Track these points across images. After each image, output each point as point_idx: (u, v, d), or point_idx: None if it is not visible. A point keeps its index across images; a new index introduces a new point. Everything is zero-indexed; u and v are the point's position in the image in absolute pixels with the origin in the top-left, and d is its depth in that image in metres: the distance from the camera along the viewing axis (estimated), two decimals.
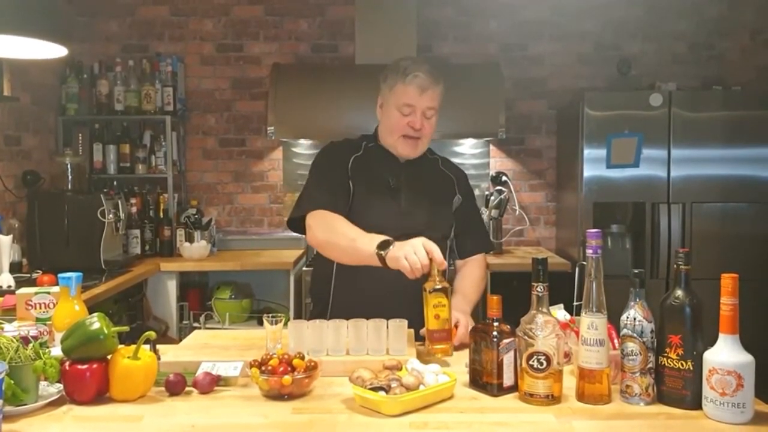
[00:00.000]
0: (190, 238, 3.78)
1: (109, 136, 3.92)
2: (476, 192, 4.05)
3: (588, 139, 3.47)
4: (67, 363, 1.36)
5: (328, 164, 2.02)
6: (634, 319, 1.31)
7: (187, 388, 1.42)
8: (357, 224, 1.82)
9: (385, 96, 1.98)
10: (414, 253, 1.61)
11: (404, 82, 1.91)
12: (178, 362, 1.52)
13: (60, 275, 1.63)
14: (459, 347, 1.69)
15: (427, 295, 1.59)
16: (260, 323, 1.98)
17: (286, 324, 1.61)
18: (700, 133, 3.44)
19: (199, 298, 3.81)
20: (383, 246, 1.68)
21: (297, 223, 2.00)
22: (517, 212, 4.12)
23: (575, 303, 3.00)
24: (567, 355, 1.50)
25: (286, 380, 1.35)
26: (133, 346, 1.39)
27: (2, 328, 1.49)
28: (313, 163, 2.07)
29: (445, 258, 1.68)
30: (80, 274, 1.66)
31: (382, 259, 1.67)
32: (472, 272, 2.08)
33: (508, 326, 1.40)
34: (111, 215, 3.22)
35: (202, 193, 4.20)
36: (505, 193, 3.90)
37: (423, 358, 1.55)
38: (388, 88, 1.96)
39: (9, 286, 2.67)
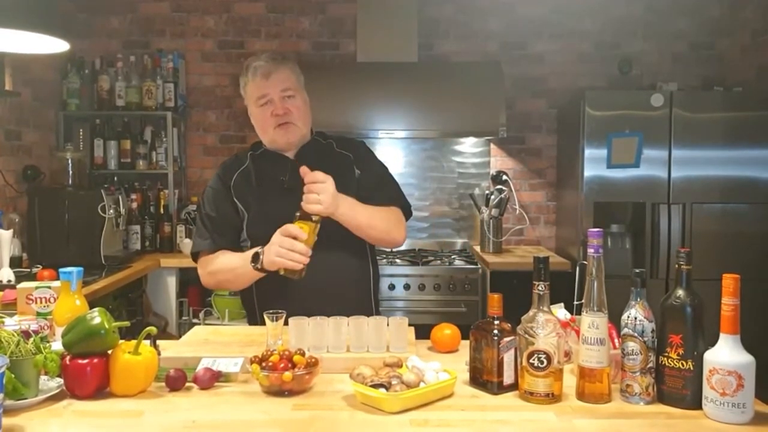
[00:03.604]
0: (190, 235, 3.78)
1: (109, 132, 3.92)
2: (476, 191, 4.10)
3: (588, 138, 3.47)
4: (68, 357, 1.36)
5: (207, 200, 2.04)
6: (635, 318, 1.31)
7: (188, 384, 1.42)
8: (260, 234, 1.82)
9: (246, 101, 2.00)
10: (280, 247, 1.69)
11: (249, 78, 1.96)
12: (178, 358, 1.52)
13: (61, 270, 1.63)
14: (460, 350, 1.69)
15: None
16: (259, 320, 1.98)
17: (286, 321, 1.61)
18: (701, 134, 3.43)
19: (198, 294, 3.80)
20: (255, 260, 1.78)
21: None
22: (518, 211, 4.11)
23: (575, 302, 3.01)
24: (567, 354, 1.50)
25: (286, 376, 1.35)
26: (134, 342, 1.38)
27: (3, 323, 1.49)
28: (199, 200, 2.05)
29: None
30: (81, 269, 1.66)
31: (262, 270, 1.77)
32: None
33: (509, 324, 1.40)
34: (111, 211, 3.22)
35: (203, 189, 4.19)
36: (505, 192, 3.89)
37: None
38: (244, 92, 2.00)
39: (9, 281, 2.67)
